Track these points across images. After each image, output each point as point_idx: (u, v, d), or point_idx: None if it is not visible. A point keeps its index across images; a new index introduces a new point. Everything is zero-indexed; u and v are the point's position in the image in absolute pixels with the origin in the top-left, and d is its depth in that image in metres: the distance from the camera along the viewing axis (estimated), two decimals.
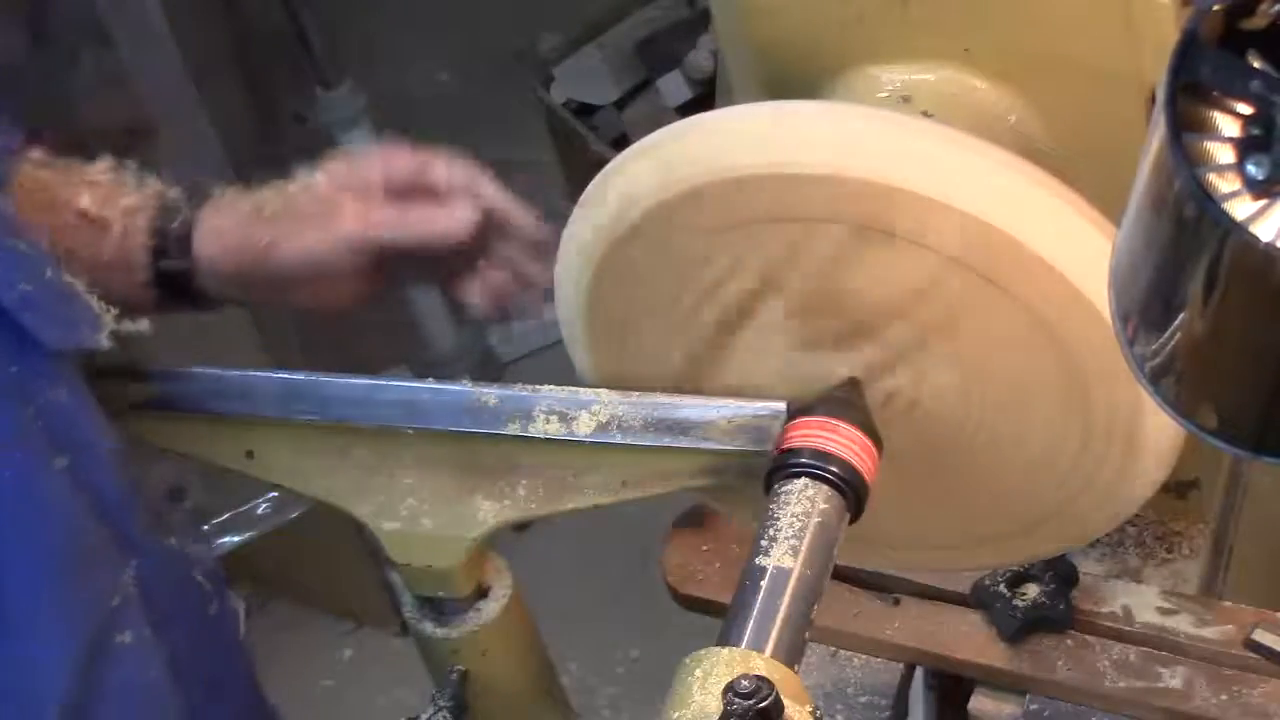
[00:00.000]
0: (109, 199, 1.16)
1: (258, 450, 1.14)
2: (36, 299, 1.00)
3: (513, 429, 1.07)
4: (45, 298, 1.01)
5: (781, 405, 1.02)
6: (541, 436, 1.07)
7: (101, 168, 1.18)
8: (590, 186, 1.05)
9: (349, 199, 1.15)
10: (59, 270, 1.03)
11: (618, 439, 1.05)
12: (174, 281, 1.17)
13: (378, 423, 1.10)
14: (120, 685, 1.07)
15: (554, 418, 1.07)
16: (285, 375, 1.15)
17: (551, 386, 1.08)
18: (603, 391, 1.07)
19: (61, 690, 1.01)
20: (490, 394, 1.08)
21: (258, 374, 1.15)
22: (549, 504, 1.09)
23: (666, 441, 1.05)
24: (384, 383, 1.13)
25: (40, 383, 1.01)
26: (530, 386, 1.08)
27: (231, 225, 1.16)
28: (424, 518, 1.11)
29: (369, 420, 1.11)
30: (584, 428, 1.06)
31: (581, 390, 1.08)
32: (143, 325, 1.08)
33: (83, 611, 1.03)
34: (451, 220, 1.14)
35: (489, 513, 1.10)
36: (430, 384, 1.11)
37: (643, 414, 1.06)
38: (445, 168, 1.16)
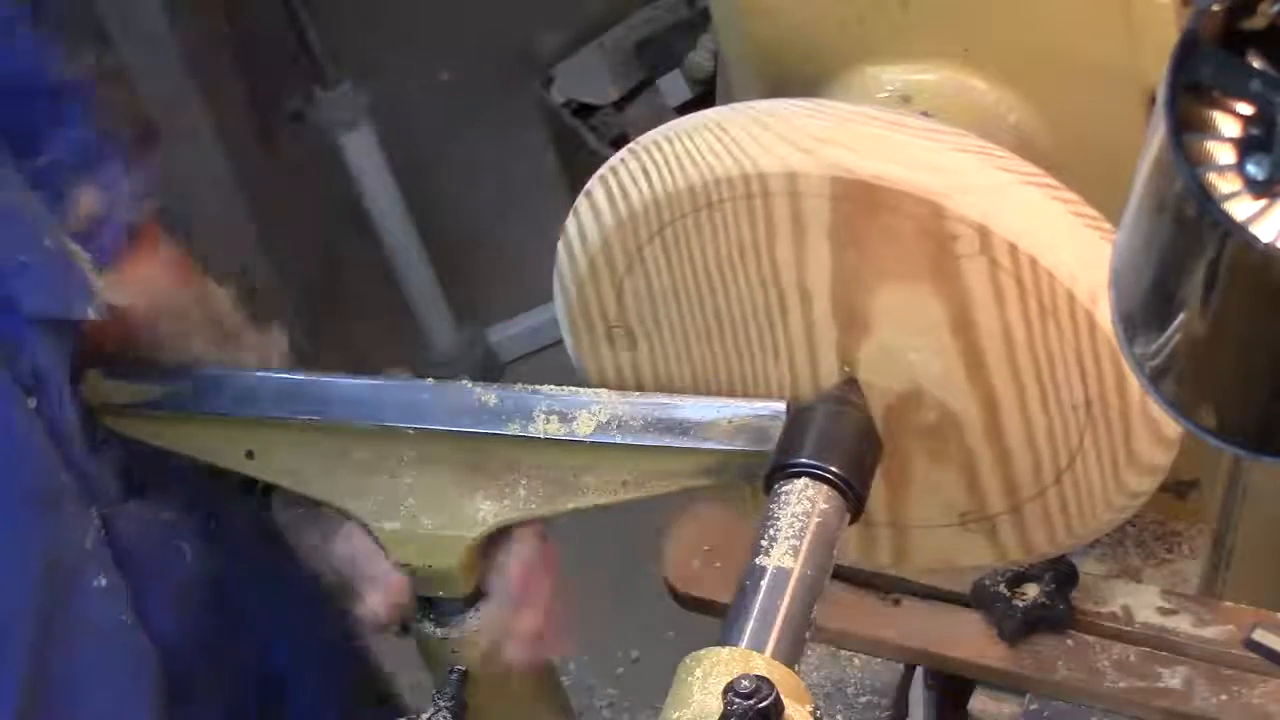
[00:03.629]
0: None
1: (258, 450, 1.14)
2: (29, 268, 1.04)
3: (513, 429, 1.07)
4: (40, 268, 1.05)
5: (781, 405, 1.02)
6: (541, 436, 1.07)
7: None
8: (589, 184, 1.05)
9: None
10: (60, 240, 1.06)
11: (618, 439, 1.05)
12: None
13: (378, 423, 1.10)
14: (93, 628, 1.09)
15: (554, 418, 1.06)
16: (285, 375, 1.15)
17: (551, 386, 1.08)
18: (603, 392, 1.07)
19: (27, 622, 1.03)
20: (490, 394, 1.08)
21: (258, 374, 1.15)
22: (549, 504, 1.09)
23: (667, 441, 1.05)
24: (384, 383, 1.13)
25: (20, 340, 1.04)
26: (530, 386, 1.08)
27: None
28: (424, 518, 1.11)
29: (369, 420, 1.11)
30: (584, 428, 1.06)
31: (581, 390, 1.08)
32: (129, 297, 1.11)
33: (50, 548, 1.06)
34: None
35: (489, 513, 1.10)
36: (430, 384, 1.11)
37: (643, 414, 1.05)
38: None
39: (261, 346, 1.18)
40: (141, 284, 1.14)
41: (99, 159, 1.15)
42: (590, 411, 1.06)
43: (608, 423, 1.06)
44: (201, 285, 1.19)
